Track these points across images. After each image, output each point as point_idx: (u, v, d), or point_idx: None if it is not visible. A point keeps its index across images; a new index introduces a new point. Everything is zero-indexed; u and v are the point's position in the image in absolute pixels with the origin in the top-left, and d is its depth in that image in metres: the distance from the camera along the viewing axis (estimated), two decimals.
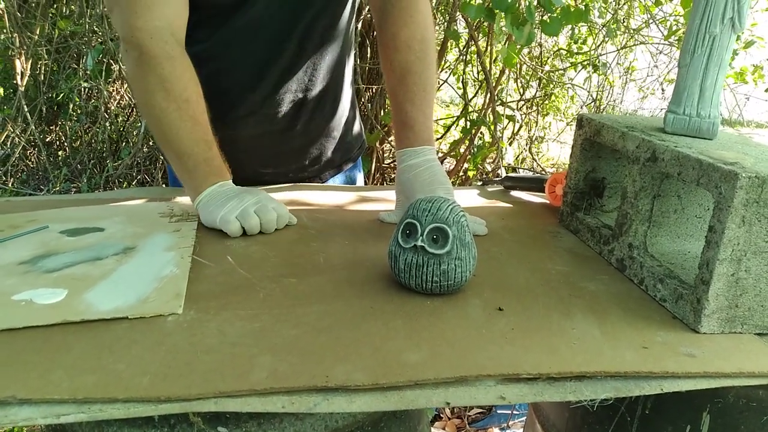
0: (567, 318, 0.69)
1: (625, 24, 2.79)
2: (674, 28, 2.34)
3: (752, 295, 0.66)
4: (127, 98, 2.85)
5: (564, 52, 3.40)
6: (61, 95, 2.64)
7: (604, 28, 2.69)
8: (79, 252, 0.79)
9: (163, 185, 2.65)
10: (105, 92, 2.46)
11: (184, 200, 1.02)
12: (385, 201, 1.09)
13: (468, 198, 1.15)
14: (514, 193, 1.18)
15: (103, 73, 2.33)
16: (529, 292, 0.75)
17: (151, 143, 2.55)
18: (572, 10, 1.79)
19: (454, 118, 3.71)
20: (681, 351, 0.63)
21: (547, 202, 1.11)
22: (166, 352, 0.58)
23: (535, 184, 1.14)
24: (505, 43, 2.30)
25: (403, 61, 0.98)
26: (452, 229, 0.70)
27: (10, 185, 2.66)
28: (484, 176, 3.06)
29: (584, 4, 2.24)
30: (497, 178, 1.22)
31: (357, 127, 1.25)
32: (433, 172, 0.95)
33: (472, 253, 0.72)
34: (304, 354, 0.59)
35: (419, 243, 0.69)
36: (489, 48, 2.79)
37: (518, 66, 3.03)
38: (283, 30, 1.02)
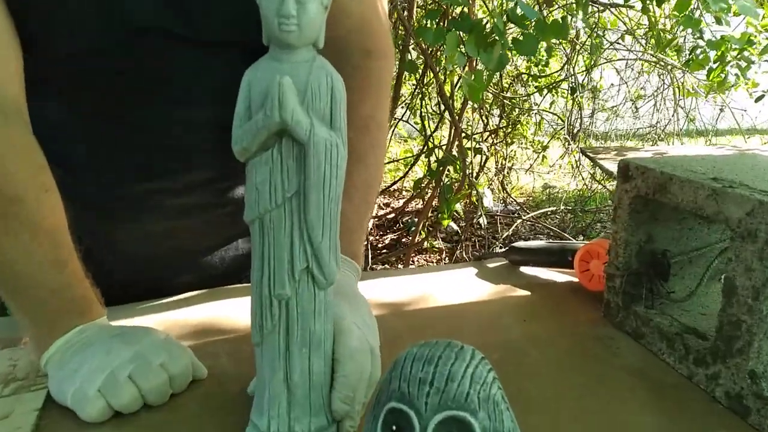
0: None
1: (602, 37, 2.56)
2: (658, 37, 2.09)
3: None
4: None
5: (525, 77, 3.17)
6: None
7: (577, 46, 2.46)
8: None
9: None
10: None
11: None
12: None
13: (465, 281, 0.81)
14: (525, 270, 0.86)
15: None
16: None
17: None
18: (549, 23, 1.51)
19: (414, 156, 3.42)
20: None
21: (576, 279, 0.79)
22: None
23: (556, 257, 0.81)
24: (463, 70, 2.01)
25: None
26: (479, 416, 0.36)
27: None
28: (459, 220, 2.75)
29: (561, 16, 1.98)
30: (500, 250, 0.89)
31: None
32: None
33: None
34: None
35: None
36: (449, 77, 2.52)
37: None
38: None
